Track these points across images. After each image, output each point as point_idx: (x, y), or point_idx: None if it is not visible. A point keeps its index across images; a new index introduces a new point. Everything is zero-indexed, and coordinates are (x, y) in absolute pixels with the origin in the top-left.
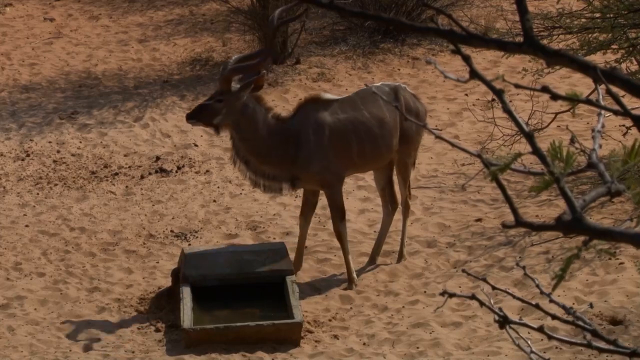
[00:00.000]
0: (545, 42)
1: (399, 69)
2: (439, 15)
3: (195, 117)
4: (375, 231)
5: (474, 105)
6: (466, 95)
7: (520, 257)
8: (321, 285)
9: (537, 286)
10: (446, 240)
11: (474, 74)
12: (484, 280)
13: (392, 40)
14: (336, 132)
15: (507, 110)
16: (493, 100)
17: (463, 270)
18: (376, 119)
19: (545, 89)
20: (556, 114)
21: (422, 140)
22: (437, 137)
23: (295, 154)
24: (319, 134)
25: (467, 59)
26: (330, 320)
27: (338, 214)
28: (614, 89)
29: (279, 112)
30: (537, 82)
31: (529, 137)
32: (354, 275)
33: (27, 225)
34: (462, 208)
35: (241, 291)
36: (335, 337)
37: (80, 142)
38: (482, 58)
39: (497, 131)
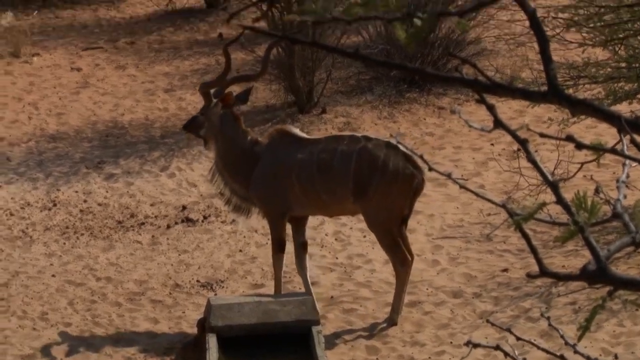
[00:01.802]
0: (570, 91)
1: (424, 119)
2: (464, 64)
3: (187, 127)
4: None
5: (499, 154)
6: (492, 144)
7: (546, 308)
8: (347, 336)
9: (562, 337)
10: (472, 290)
11: (498, 123)
12: (509, 331)
13: (417, 90)
14: (282, 167)
15: (531, 159)
16: (519, 150)
17: (487, 321)
18: (322, 164)
19: (570, 138)
20: (582, 163)
21: (398, 200)
22: (462, 186)
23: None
24: (269, 164)
25: (491, 108)
26: None
27: (275, 245)
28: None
29: (256, 136)
30: (562, 132)
31: (554, 186)
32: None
33: (53, 275)
34: (488, 258)
35: (267, 341)
36: None
37: (107, 192)
38: (508, 107)
39: (523, 181)
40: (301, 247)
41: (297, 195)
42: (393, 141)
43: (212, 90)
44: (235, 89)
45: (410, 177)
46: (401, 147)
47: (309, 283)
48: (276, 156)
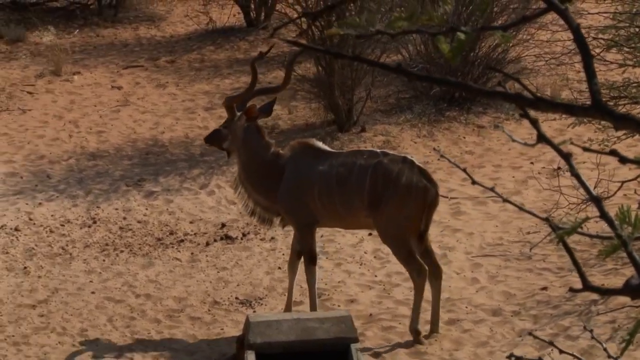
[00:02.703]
0: None
1: (464, 137)
2: (506, 80)
3: (209, 140)
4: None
5: (539, 173)
6: (532, 163)
7: (585, 326)
8: (386, 354)
9: (605, 350)
10: (511, 308)
11: (542, 138)
12: (551, 344)
13: (457, 109)
14: (305, 179)
15: (574, 174)
16: (559, 168)
17: (529, 334)
18: (341, 177)
19: (613, 152)
20: (622, 182)
21: (409, 215)
22: (505, 200)
23: (278, 188)
24: (293, 176)
25: (534, 123)
26: None
27: (306, 257)
28: None
29: (278, 148)
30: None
31: (597, 201)
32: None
33: (93, 292)
34: (528, 276)
35: (306, 359)
36: None
37: (147, 209)
38: (548, 127)
39: (563, 199)
40: (296, 255)
41: (319, 207)
42: (409, 156)
43: (235, 104)
44: (259, 102)
45: (424, 190)
46: (416, 162)
47: (293, 287)
48: (299, 168)
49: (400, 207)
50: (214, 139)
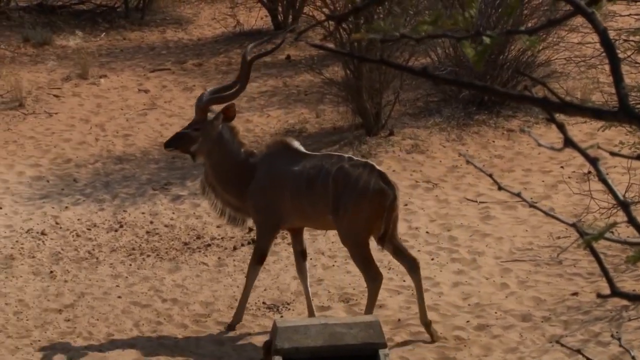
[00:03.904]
0: None
1: (493, 141)
2: (534, 84)
3: (173, 144)
4: (469, 304)
5: (569, 177)
6: (562, 167)
7: (617, 332)
8: (415, 359)
9: (633, 358)
10: (542, 314)
11: (569, 142)
12: (579, 352)
13: (486, 112)
14: (277, 179)
15: (602, 179)
16: (589, 172)
17: (557, 341)
18: (309, 179)
19: None
20: None
21: (370, 217)
22: (531, 205)
23: (248, 187)
24: (265, 175)
25: (561, 127)
26: None
27: (256, 255)
28: None
29: (250, 147)
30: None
31: (625, 206)
32: (240, 318)
33: (119, 297)
34: (558, 282)
35: None
36: None
37: (173, 213)
38: (578, 130)
39: (594, 204)
40: (300, 255)
41: (288, 207)
42: (371, 162)
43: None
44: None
45: (380, 193)
46: (377, 167)
47: (309, 290)
48: (273, 167)
49: (357, 211)
50: (179, 142)
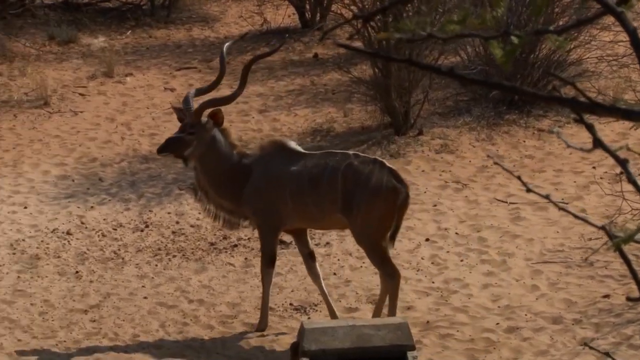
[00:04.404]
0: None
1: (524, 141)
2: (564, 84)
3: (168, 149)
4: (499, 306)
5: (601, 178)
6: (593, 167)
7: None
8: None
9: None
10: (572, 316)
11: (598, 143)
12: (608, 355)
13: (517, 112)
14: (276, 180)
15: (631, 180)
16: (621, 173)
17: (586, 344)
18: (312, 178)
19: None
20: None
21: (385, 215)
22: (560, 208)
23: (243, 190)
24: (262, 176)
25: (590, 128)
26: None
27: (265, 259)
28: None
29: (243, 149)
30: None
31: None
32: (266, 323)
33: (145, 297)
34: (589, 284)
35: None
36: None
37: (199, 213)
38: (610, 130)
39: (626, 205)
40: (309, 257)
41: (289, 208)
42: (380, 158)
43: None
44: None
45: (393, 190)
46: (386, 164)
47: (325, 290)
48: (269, 168)
49: (371, 209)
50: (174, 147)
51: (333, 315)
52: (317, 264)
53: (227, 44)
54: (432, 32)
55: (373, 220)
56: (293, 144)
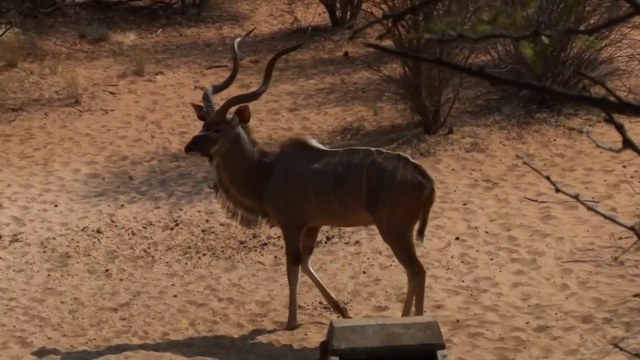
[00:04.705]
0: None
1: (554, 140)
2: (595, 84)
3: (196, 148)
4: (529, 305)
5: (632, 177)
6: (624, 166)
7: None
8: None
9: None
10: (603, 315)
11: (628, 143)
12: (638, 355)
13: (547, 110)
14: (298, 178)
15: None
16: None
17: (616, 345)
18: (336, 175)
19: None
20: None
21: (412, 211)
22: (589, 208)
23: (265, 188)
24: (285, 175)
25: (620, 128)
26: None
27: (290, 257)
28: None
29: (263, 146)
30: None
31: None
32: (295, 321)
33: (175, 295)
34: (620, 283)
35: None
36: None
37: None
38: None
39: None
40: (307, 251)
41: (313, 206)
42: (403, 154)
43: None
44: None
45: (419, 186)
46: (410, 159)
47: (323, 287)
48: (291, 166)
49: (397, 205)
50: (200, 145)
51: (331, 300)
52: (310, 258)
53: (237, 40)
54: (463, 32)
55: (398, 217)
56: (314, 142)
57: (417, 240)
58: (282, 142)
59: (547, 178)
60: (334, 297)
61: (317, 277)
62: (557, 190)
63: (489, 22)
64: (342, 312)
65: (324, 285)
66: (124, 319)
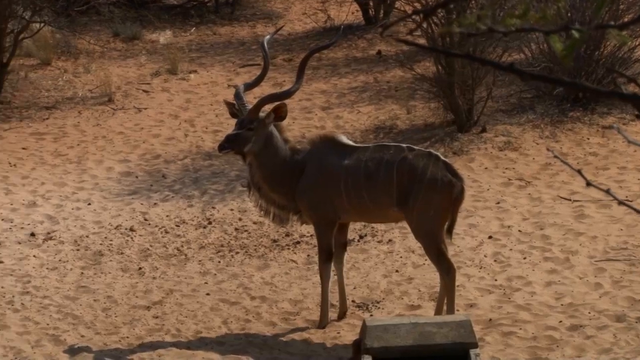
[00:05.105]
0: None
1: (588, 138)
2: (629, 82)
3: (229, 146)
4: (562, 304)
5: None
6: None
7: None
8: (506, 359)
9: None
10: (636, 314)
11: None
12: None
13: (581, 109)
14: (330, 174)
15: None
16: None
17: None
18: (368, 171)
19: None
20: None
21: (439, 208)
22: (620, 202)
23: (297, 185)
24: (317, 171)
25: None
26: None
27: (322, 254)
28: None
29: (295, 144)
30: None
31: None
32: (327, 319)
33: (208, 294)
34: None
35: None
36: None
37: None
38: None
39: None
40: (341, 247)
41: (345, 202)
42: (434, 151)
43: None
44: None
45: (449, 184)
46: (441, 157)
47: (343, 280)
48: (323, 163)
49: (427, 203)
50: (234, 144)
51: (343, 306)
52: (346, 254)
53: (266, 38)
54: (492, 26)
55: (429, 214)
56: (344, 138)
57: (446, 238)
58: (312, 139)
59: (579, 172)
60: (347, 306)
61: (344, 278)
62: (588, 185)
63: (519, 17)
64: (339, 318)
65: (345, 289)
66: (157, 317)
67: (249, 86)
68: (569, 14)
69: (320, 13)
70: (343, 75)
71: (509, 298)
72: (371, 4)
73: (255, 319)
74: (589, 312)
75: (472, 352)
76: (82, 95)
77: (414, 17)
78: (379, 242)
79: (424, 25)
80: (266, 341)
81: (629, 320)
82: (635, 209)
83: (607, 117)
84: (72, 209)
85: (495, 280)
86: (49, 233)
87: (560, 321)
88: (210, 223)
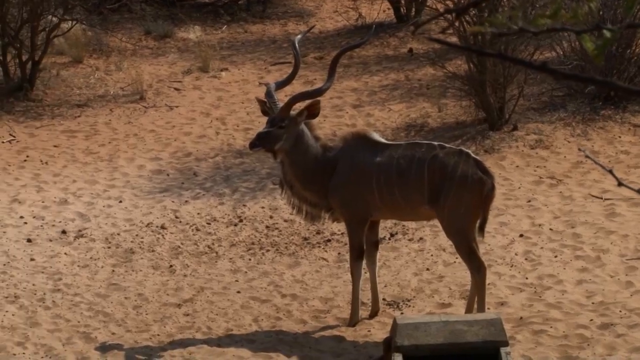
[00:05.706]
0: None
1: (619, 137)
2: None
3: (260, 144)
4: (593, 303)
5: None
6: None
7: None
8: (537, 357)
9: None
10: None
11: None
12: None
13: (613, 107)
14: (362, 171)
15: None
16: None
17: None
18: (400, 169)
19: None
20: None
21: (470, 206)
22: None
23: (329, 183)
24: (349, 168)
25: None
26: None
27: (354, 252)
28: None
29: (326, 141)
30: None
31: None
32: (357, 317)
33: (238, 292)
34: None
35: None
36: None
37: None
38: None
39: None
40: (373, 245)
41: (377, 199)
42: (465, 149)
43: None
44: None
45: (479, 182)
46: (472, 155)
47: (376, 279)
48: (355, 160)
49: (458, 200)
50: (265, 141)
51: (375, 305)
52: (378, 253)
53: (297, 37)
54: (524, 25)
55: (459, 212)
56: (376, 135)
57: (478, 236)
58: (344, 137)
59: (610, 172)
60: (379, 305)
61: (377, 276)
62: (620, 184)
63: (550, 16)
64: (371, 317)
65: (377, 288)
66: (188, 315)
67: (280, 85)
68: (601, 12)
69: (351, 11)
70: (374, 73)
71: (540, 296)
72: (403, 2)
73: (286, 317)
74: (620, 311)
75: (503, 350)
76: (114, 93)
77: (446, 15)
78: (409, 240)
79: (456, 23)
80: (297, 339)
81: None
82: None
83: (638, 115)
84: (103, 206)
85: (526, 278)
86: (80, 231)
87: (591, 319)
88: (241, 221)
